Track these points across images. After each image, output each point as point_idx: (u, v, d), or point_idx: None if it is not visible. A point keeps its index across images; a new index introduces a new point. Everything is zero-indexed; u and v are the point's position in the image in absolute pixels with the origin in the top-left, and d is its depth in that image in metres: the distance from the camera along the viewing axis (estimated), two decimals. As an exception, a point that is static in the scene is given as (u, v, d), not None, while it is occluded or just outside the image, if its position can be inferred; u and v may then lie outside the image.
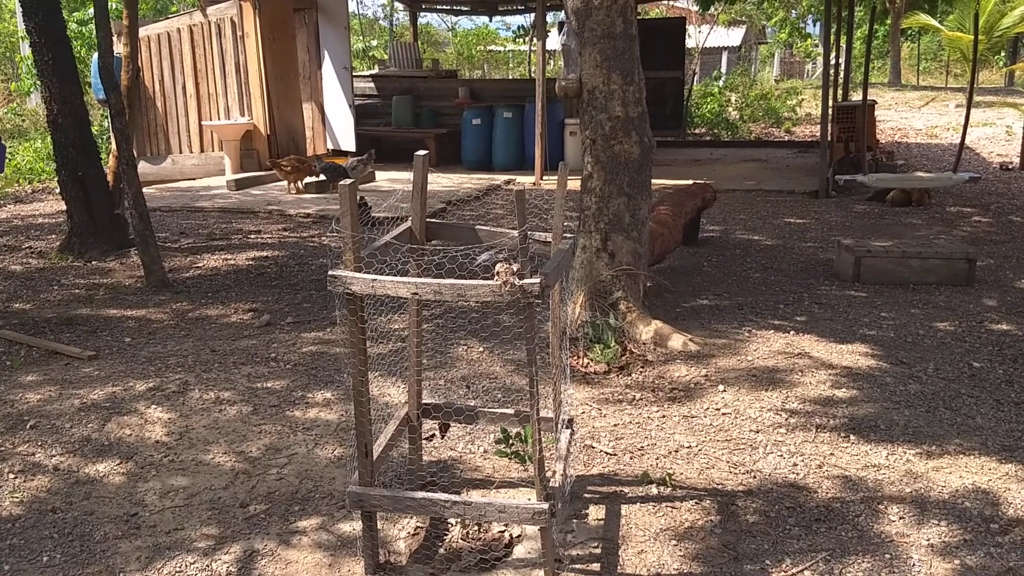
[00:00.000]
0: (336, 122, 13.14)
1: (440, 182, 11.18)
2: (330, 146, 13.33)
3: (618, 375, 4.61)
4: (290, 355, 4.90)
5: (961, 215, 9.03)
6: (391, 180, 11.25)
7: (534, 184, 11.15)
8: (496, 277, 2.48)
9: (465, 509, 2.75)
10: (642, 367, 4.70)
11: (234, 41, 11.69)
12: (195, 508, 3.33)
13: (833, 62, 12.13)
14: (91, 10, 9.95)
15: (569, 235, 3.11)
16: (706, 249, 7.61)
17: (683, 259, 7.21)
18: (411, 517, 3.21)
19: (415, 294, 2.58)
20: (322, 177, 10.43)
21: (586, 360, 4.72)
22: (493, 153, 12.77)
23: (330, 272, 2.58)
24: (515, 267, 2.47)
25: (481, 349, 4.97)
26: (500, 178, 11.67)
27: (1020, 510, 3.26)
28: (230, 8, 11.61)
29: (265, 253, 7.59)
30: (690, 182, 8.47)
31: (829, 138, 10.68)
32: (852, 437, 3.85)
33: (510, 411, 3.35)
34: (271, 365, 4.75)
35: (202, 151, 12.14)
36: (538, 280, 2.49)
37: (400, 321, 5.22)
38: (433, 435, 3.69)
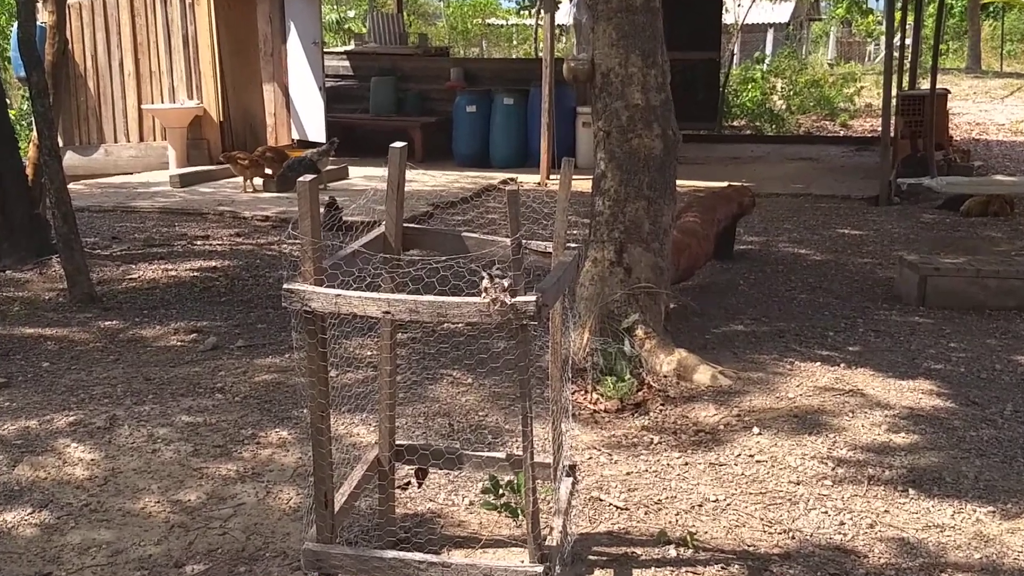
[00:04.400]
0: (303, 107, 13.21)
1: (426, 181, 11.24)
2: (295, 136, 13.40)
3: (633, 414, 4.62)
4: (240, 385, 4.92)
5: (1049, 227, 9.07)
6: (367, 177, 11.31)
7: (539, 184, 11.20)
8: (483, 294, 2.50)
9: (444, 572, 2.75)
10: (662, 405, 4.72)
11: (182, 10, 11.79)
12: (120, 567, 3.34)
13: (899, 43, 12.22)
14: (12, -29, 10.05)
15: (574, 245, 3.13)
16: (742, 264, 7.63)
17: (714, 276, 7.23)
18: (380, 581, 3.22)
19: (387, 313, 2.60)
20: (268, 172, 10.53)
21: (595, 395, 4.74)
22: (491, 147, 12.83)
23: (286, 285, 2.61)
24: (506, 282, 2.48)
25: (468, 380, 4.98)
26: (498, 176, 11.72)
27: (1112, 582, 3.27)
28: (178, -30, 11.73)
29: (213, 263, 7.62)
30: (725, 184, 8.51)
31: (892, 134, 10.74)
32: (911, 491, 3.86)
33: (500, 455, 3.36)
34: (216, 397, 4.77)
35: (141, 140, 12.20)
36: (533, 298, 2.50)
37: (371, 346, 5.24)
38: (409, 483, 3.70)
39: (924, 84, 13.22)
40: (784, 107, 19.06)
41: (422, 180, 11.12)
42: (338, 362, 4.97)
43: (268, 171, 10.72)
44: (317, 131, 12.99)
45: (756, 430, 4.42)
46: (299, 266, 2.63)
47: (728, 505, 3.76)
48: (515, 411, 4.53)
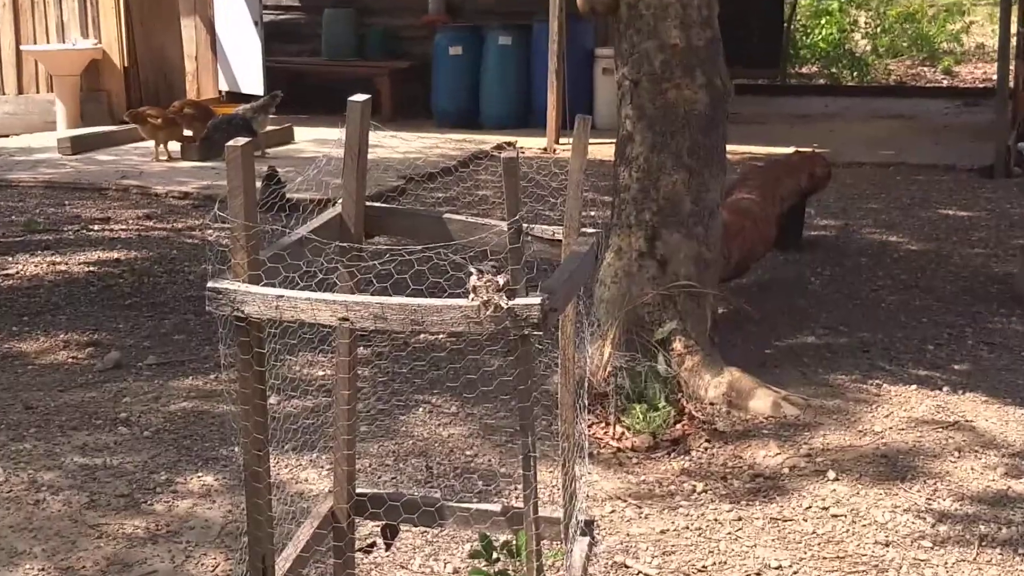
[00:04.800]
0: (234, 49, 13.19)
1: (397, 145, 11.20)
2: (224, 87, 13.39)
3: (669, 454, 4.62)
4: (150, 416, 4.92)
5: None
6: (318, 141, 11.30)
7: (545, 151, 11.20)
8: (472, 295, 2.50)
9: (419, 661, 2.76)
10: (707, 441, 4.72)
11: (74, -81, 11.79)
12: (-7, 656, 3.35)
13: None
14: None
15: (591, 230, 3.13)
16: (814, 255, 7.64)
17: (777, 270, 7.23)
18: (335, 674, 3.22)
19: (344, 320, 2.59)
20: (188, 134, 10.51)
21: (619, 429, 4.74)
22: (481, 101, 12.81)
23: (211, 284, 2.60)
24: (501, 279, 2.49)
25: (451, 409, 4.99)
26: (492, 140, 11.71)
27: None
28: None
29: (115, 254, 7.62)
30: (791, 150, 8.51)
31: (1012, 84, 10.73)
32: (1036, 555, 3.87)
33: (494, 507, 3.35)
34: (120, 432, 4.76)
35: (20, 93, 12.19)
36: (538, 300, 2.51)
37: (324, 364, 5.24)
38: (373, 544, 3.70)
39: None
40: (869, 49, 19.06)
41: (391, 144, 11.09)
42: (280, 385, 4.98)
43: (188, 133, 10.71)
44: (252, 80, 12.98)
45: (832, 475, 4.42)
46: (229, 258, 2.63)
47: (795, 573, 3.76)
48: (513, 449, 4.53)
